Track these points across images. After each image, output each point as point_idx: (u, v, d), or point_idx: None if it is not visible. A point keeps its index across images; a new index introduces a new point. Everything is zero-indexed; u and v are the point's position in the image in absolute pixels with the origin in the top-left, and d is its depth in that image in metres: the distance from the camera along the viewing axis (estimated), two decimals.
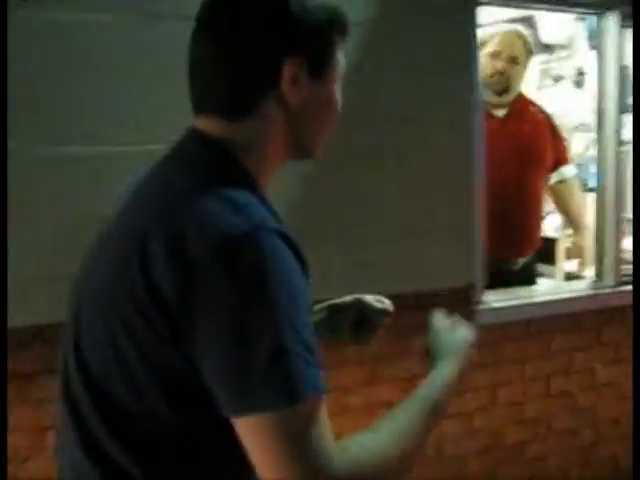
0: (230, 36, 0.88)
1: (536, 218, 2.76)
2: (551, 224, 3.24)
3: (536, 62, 4.56)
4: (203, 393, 0.80)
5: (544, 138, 2.72)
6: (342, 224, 2.04)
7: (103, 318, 0.86)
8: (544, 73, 4.57)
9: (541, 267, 2.93)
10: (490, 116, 2.56)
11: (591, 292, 2.56)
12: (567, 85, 4.41)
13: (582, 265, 2.87)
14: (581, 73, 4.28)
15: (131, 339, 0.82)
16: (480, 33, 2.34)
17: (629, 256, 2.58)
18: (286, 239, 0.82)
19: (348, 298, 1.26)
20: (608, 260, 2.58)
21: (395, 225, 2.10)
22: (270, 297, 0.78)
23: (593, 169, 3.79)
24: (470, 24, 2.18)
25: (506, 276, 2.58)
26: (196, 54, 0.91)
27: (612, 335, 2.55)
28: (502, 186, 2.56)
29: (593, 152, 3.83)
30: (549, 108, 4.12)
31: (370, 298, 1.26)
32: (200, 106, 0.92)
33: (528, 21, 4.43)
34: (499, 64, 2.60)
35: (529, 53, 2.71)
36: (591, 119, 3.96)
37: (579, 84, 4.30)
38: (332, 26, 0.91)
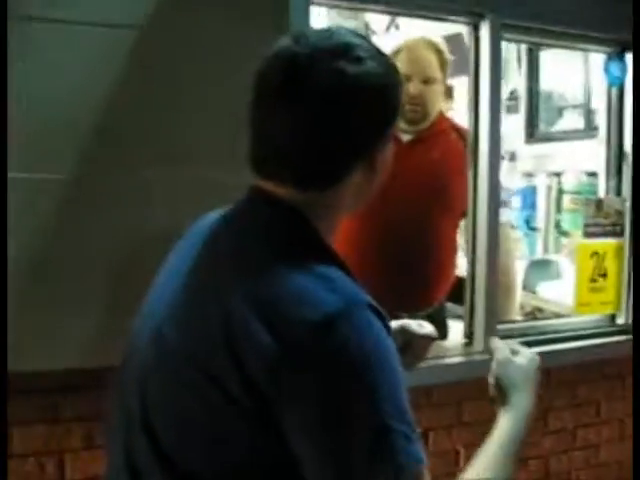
0: (330, 111, 0.87)
1: (443, 268, 2.22)
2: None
3: (464, 86, 4.24)
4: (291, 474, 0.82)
5: (458, 172, 2.11)
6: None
7: (178, 391, 0.87)
8: None
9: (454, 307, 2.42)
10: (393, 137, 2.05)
11: (460, 359, 2.11)
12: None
13: None
14: (514, 98, 3.89)
15: (211, 416, 0.83)
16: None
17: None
18: (375, 311, 0.84)
19: (393, 324, 1.21)
20: (479, 320, 2.14)
21: None
22: (371, 376, 0.79)
23: (516, 203, 3.45)
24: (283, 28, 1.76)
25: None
26: (270, 120, 0.89)
27: (473, 411, 2.11)
28: (399, 227, 2.09)
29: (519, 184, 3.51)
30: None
31: (413, 324, 1.28)
32: (269, 173, 0.92)
33: (454, 41, 4.08)
34: (411, 88, 2.08)
35: (445, 64, 2.16)
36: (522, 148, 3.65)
37: (512, 109, 3.90)
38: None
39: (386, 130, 0.94)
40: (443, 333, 2.25)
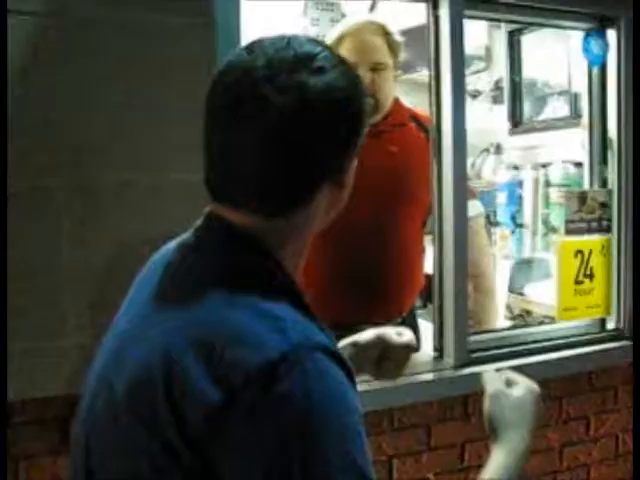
0: (291, 129, 0.80)
1: (410, 272, 1.99)
2: None
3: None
4: None
5: (421, 165, 1.91)
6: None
7: (121, 446, 0.80)
8: None
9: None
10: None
11: (428, 377, 1.88)
12: (484, 101, 3.81)
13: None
14: (499, 87, 3.67)
15: (156, 474, 0.76)
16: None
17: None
18: (332, 355, 0.77)
19: (369, 334, 1.21)
20: (448, 330, 1.91)
21: None
22: (319, 430, 0.72)
23: (502, 199, 3.23)
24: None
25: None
26: (224, 141, 0.82)
27: (442, 435, 1.88)
28: (360, 232, 1.87)
29: (502, 177, 3.28)
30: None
31: (391, 332, 1.21)
32: (225, 199, 0.85)
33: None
34: None
35: (395, 48, 1.93)
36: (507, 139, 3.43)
37: (498, 100, 3.68)
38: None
39: (353, 145, 0.88)
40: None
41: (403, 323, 1.95)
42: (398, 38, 1.95)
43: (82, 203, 1.50)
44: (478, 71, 3.91)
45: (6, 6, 1.36)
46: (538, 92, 3.21)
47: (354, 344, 1.20)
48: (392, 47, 1.92)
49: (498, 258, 3.15)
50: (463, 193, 1.87)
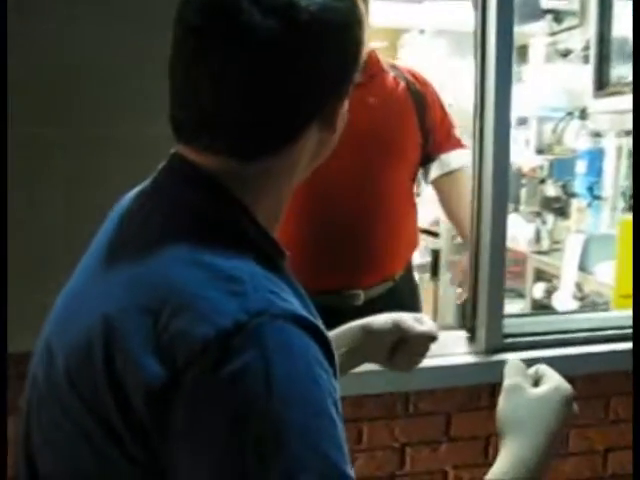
0: (276, 59, 0.68)
1: (401, 229, 1.85)
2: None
3: (541, 34, 3.72)
4: None
5: (404, 115, 1.80)
6: None
7: (58, 420, 0.69)
8: (550, 47, 3.67)
9: None
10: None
11: (455, 360, 1.71)
12: (575, 61, 3.50)
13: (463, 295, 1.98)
14: (588, 47, 3.34)
15: (96, 457, 0.66)
16: None
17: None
18: (304, 324, 0.65)
19: (384, 318, 1.06)
20: (482, 313, 1.73)
21: None
22: (279, 411, 0.60)
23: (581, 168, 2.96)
24: None
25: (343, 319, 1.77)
26: (193, 71, 0.69)
27: (464, 425, 1.71)
28: (343, 189, 1.74)
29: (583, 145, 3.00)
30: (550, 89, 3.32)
31: (409, 319, 1.06)
32: (191, 139, 0.72)
33: None
34: None
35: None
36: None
37: (589, 59, 3.36)
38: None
39: (347, 79, 0.75)
40: (413, 308, 1.87)
41: (396, 287, 1.83)
42: None
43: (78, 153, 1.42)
44: (571, 28, 3.59)
45: (6, 6, 1.30)
46: (629, 50, 2.87)
47: (365, 328, 1.07)
48: None
49: (571, 232, 2.91)
50: (505, 177, 1.68)
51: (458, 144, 1.93)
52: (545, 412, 0.81)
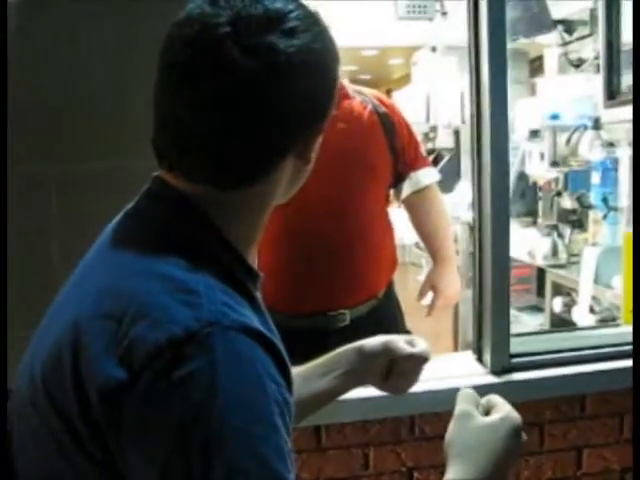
0: (254, 97, 0.72)
1: (379, 250, 1.90)
2: None
3: (553, 44, 3.69)
4: None
5: (373, 139, 1.86)
6: None
7: (33, 426, 0.74)
8: (562, 57, 3.64)
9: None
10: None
11: (460, 382, 1.68)
12: (587, 71, 3.46)
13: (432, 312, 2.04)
14: (597, 57, 3.30)
15: (66, 461, 0.70)
16: None
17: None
18: (255, 336, 0.69)
19: (376, 341, 1.08)
20: (487, 333, 1.69)
21: None
22: (222, 424, 0.64)
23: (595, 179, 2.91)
24: None
25: (330, 340, 1.77)
26: (175, 103, 0.73)
27: None
28: (321, 212, 1.79)
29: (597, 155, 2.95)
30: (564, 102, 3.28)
31: (400, 340, 1.07)
32: (175, 165, 0.76)
33: None
34: None
35: None
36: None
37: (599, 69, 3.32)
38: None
39: (323, 115, 0.79)
40: (396, 324, 1.92)
41: (380, 305, 1.88)
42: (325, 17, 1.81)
43: (70, 189, 1.43)
44: (582, 37, 3.56)
45: (6, 6, 1.32)
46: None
47: (359, 350, 1.08)
48: None
49: (588, 244, 2.86)
50: (505, 191, 1.65)
51: (426, 162, 2.01)
52: (492, 440, 0.82)
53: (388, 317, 1.90)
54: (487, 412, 0.87)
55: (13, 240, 1.40)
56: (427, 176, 1.97)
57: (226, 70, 0.71)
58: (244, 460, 0.65)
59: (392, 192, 1.98)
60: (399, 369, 1.07)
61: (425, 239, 2.06)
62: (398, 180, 1.94)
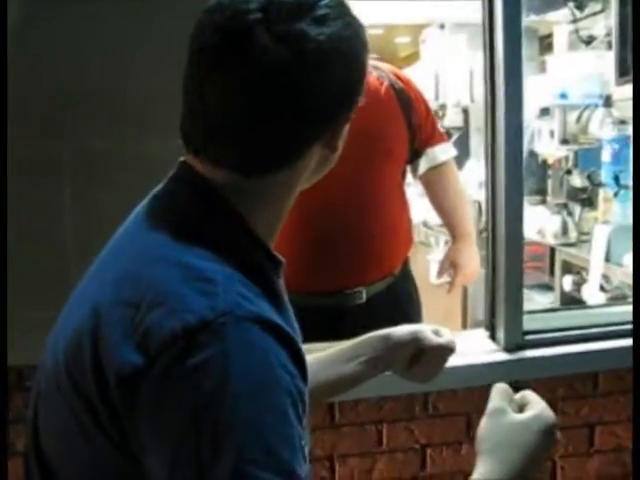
0: (283, 85, 0.72)
1: (396, 226, 1.89)
2: None
3: (563, 21, 3.65)
4: None
5: (390, 113, 1.85)
6: None
7: (56, 405, 0.76)
8: (573, 34, 3.60)
9: None
10: None
11: (474, 359, 1.68)
12: (598, 48, 3.43)
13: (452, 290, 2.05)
14: (611, 33, 3.27)
15: (85, 440, 0.72)
16: None
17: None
18: (269, 326, 0.70)
19: (403, 330, 1.08)
20: (500, 311, 1.70)
21: None
22: (232, 408, 0.65)
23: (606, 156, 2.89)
24: None
25: (347, 317, 1.79)
26: (204, 89, 0.73)
27: None
28: (337, 189, 1.73)
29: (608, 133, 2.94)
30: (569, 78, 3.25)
31: (427, 330, 1.08)
32: (199, 151, 0.77)
33: None
34: None
35: None
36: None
37: (611, 46, 3.29)
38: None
39: (351, 104, 0.80)
40: (412, 302, 1.93)
41: (396, 282, 1.88)
42: None
43: (84, 170, 1.44)
44: (594, 13, 3.52)
45: (6, 6, 1.32)
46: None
47: (385, 338, 1.09)
48: None
49: (598, 222, 2.85)
50: (519, 169, 1.67)
51: (442, 138, 1.99)
52: (524, 438, 0.81)
53: (404, 294, 1.91)
54: (521, 408, 0.86)
55: (27, 222, 1.42)
56: (444, 152, 1.96)
57: (256, 56, 0.72)
58: (253, 449, 0.66)
59: (409, 168, 1.98)
60: (426, 359, 1.08)
61: (443, 215, 2.06)
62: (415, 156, 1.93)
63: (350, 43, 0.77)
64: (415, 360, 1.08)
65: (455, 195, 2.01)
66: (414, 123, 1.88)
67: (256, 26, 0.72)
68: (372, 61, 1.93)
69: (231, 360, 0.67)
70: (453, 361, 1.59)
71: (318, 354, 1.09)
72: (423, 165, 1.94)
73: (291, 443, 0.68)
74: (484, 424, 0.84)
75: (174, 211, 0.79)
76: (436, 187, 1.99)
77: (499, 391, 0.88)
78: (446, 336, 1.09)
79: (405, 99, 1.86)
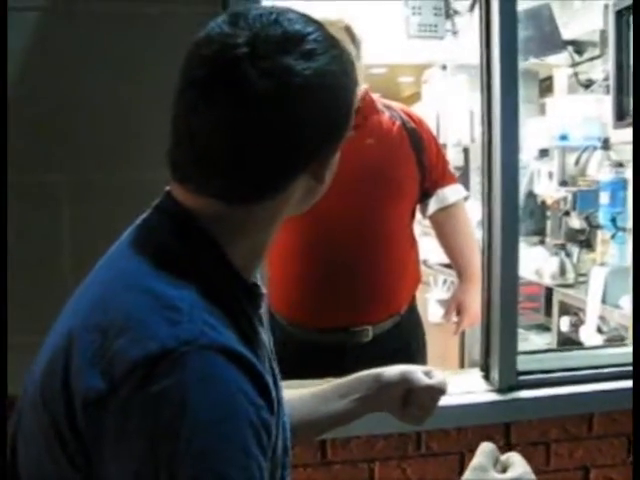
0: (270, 117, 0.73)
1: (403, 266, 1.90)
2: None
3: (563, 65, 3.71)
4: None
5: (401, 153, 1.87)
6: None
7: (33, 426, 0.77)
8: (572, 78, 3.66)
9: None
10: None
11: (466, 399, 1.68)
12: (597, 92, 3.47)
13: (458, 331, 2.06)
14: (607, 78, 3.31)
15: (54, 465, 0.72)
16: None
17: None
18: (232, 355, 0.70)
19: (395, 370, 1.08)
20: (494, 351, 1.69)
21: None
22: (189, 443, 0.65)
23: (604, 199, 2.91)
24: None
25: (351, 354, 1.79)
26: (191, 118, 0.75)
27: None
28: (344, 228, 1.80)
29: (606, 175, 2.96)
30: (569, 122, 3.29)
31: (417, 371, 1.07)
32: (187, 178, 0.78)
33: (542, 13, 3.55)
34: None
35: (358, 40, 1.85)
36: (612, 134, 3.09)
37: (608, 89, 3.34)
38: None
39: (338, 137, 0.80)
40: (418, 341, 1.93)
41: (402, 321, 1.88)
42: (358, 34, 1.85)
43: (82, 200, 1.45)
44: (592, 58, 3.57)
45: (6, 6, 1.33)
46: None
47: (377, 378, 1.09)
48: (354, 40, 1.82)
49: (596, 264, 2.86)
50: (515, 209, 1.66)
51: (453, 179, 2.01)
52: None
53: (410, 333, 1.91)
54: (504, 469, 0.88)
55: (24, 249, 1.43)
56: (454, 193, 1.97)
57: (242, 90, 0.73)
58: None
59: (418, 207, 1.99)
60: (416, 399, 1.07)
61: (451, 256, 2.06)
62: (425, 196, 1.94)
63: (337, 77, 0.78)
64: (407, 401, 1.08)
65: (464, 236, 2.00)
66: (425, 163, 1.89)
67: (242, 60, 0.73)
68: (385, 100, 1.96)
69: (190, 390, 0.67)
70: (447, 401, 1.61)
71: (311, 389, 1.09)
72: (433, 205, 1.95)
73: (249, 475, 0.69)
74: (465, 478, 0.87)
75: (153, 240, 0.80)
76: (445, 228, 1.99)
77: (485, 449, 0.90)
78: (437, 377, 1.07)
79: (417, 139, 1.88)
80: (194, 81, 0.75)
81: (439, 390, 1.06)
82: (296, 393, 1.05)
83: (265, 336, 0.87)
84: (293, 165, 0.78)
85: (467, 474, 0.88)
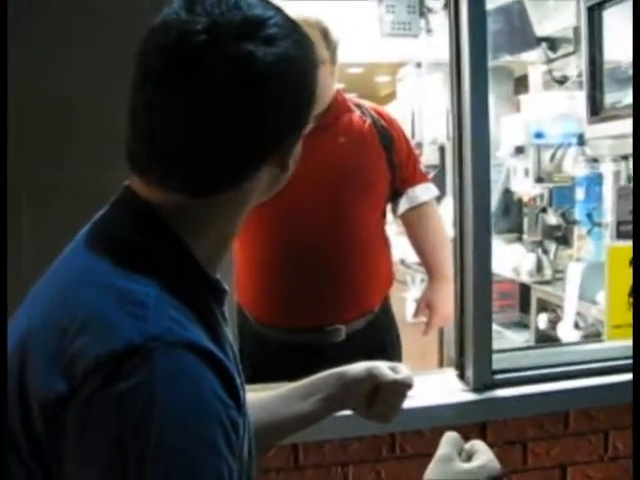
0: (230, 105, 0.71)
1: (375, 264, 1.89)
2: None
3: (537, 62, 3.71)
4: None
5: (372, 152, 1.86)
6: None
7: None
8: (546, 75, 3.66)
9: None
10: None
11: (442, 399, 1.66)
12: (571, 88, 3.48)
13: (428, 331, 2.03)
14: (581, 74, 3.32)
15: (9, 470, 0.68)
16: None
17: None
18: (200, 352, 0.68)
19: (359, 367, 1.05)
20: (469, 350, 1.67)
21: None
22: (158, 442, 0.63)
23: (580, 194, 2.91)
24: None
25: (325, 354, 1.76)
26: (149, 109, 0.72)
27: None
28: (316, 227, 1.79)
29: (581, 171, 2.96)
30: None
31: (383, 367, 1.05)
32: (147, 171, 0.75)
33: (514, 10, 3.55)
34: None
35: (331, 43, 1.82)
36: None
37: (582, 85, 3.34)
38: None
39: (301, 123, 0.79)
40: (392, 339, 1.92)
41: (376, 319, 1.87)
42: (334, 34, 1.84)
43: (41, 200, 1.42)
44: (566, 55, 3.58)
45: (6, 6, 1.29)
46: (621, 75, 2.84)
47: (341, 376, 1.06)
48: (328, 42, 1.81)
49: (573, 260, 2.85)
50: (486, 206, 1.65)
51: (424, 178, 1.99)
52: None
53: (383, 331, 1.90)
54: (469, 457, 0.88)
55: None
56: (425, 192, 1.95)
57: (202, 78, 0.71)
58: None
59: (389, 207, 1.98)
60: (383, 396, 1.05)
61: (422, 256, 2.04)
62: (395, 195, 1.93)
63: (299, 63, 0.76)
64: (374, 398, 1.05)
65: (435, 236, 1.98)
66: (395, 162, 1.88)
67: (202, 48, 0.70)
68: (355, 99, 1.95)
69: (158, 388, 0.65)
70: (420, 401, 1.59)
71: (272, 392, 1.06)
72: (403, 205, 1.94)
73: (218, 475, 0.67)
74: (431, 470, 0.86)
75: (111, 235, 0.77)
76: (415, 227, 1.98)
77: (449, 439, 0.89)
78: (403, 372, 1.05)
79: (387, 137, 1.87)
80: (152, 73, 0.73)
81: (406, 385, 1.04)
82: (255, 396, 1.02)
83: (230, 334, 0.85)
84: (257, 154, 0.76)
85: (432, 466, 0.86)
